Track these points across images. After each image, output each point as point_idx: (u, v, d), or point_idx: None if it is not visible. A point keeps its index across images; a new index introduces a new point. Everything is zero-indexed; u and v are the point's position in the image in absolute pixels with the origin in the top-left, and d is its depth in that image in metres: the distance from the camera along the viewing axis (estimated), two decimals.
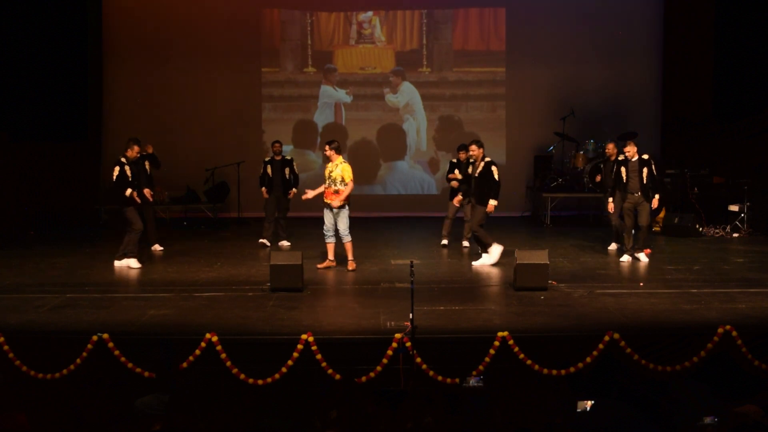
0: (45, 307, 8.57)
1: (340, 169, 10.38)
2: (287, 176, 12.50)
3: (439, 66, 16.62)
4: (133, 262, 10.70)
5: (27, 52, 14.36)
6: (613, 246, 11.84)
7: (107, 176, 11.06)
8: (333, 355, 7.18)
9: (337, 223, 10.42)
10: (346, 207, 10.43)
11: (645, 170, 10.76)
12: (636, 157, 10.87)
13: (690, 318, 8.04)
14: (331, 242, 10.56)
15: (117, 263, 10.72)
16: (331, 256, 10.61)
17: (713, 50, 15.29)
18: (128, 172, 10.67)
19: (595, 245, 12.39)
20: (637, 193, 10.80)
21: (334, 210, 10.38)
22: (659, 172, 11.57)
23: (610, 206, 11.36)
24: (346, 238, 10.45)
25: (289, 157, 12.93)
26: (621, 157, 11.12)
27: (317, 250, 11.27)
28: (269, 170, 12.46)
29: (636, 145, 11.04)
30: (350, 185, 10.36)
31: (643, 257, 10.87)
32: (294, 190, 12.57)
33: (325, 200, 10.45)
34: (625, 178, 10.89)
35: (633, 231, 11.02)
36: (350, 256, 10.49)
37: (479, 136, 16.42)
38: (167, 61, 16.33)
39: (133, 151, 10.85)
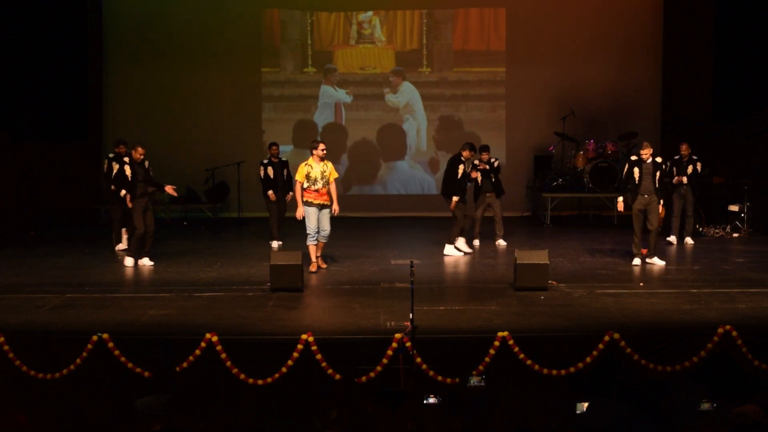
0: (45, 307, 8.57)
1: (330, 168, 10.46)
2: (285, 178, 12.49)
3: (439, 66, 16.61)
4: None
5: (27, 51, 14.35)
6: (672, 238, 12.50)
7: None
8: (333, 355, 7.18)
9: (323, 223, 10.41)
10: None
11: (658, 173, 10.68)
12: (650, 159, 10.73)
13: (690, 318, 8.03)
14: (313, 244, 10.46)
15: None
16: (314, 257, 10.51)
17: (713, 50, 15.29)
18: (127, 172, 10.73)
19: (594, 245, 12.40)
20: (648, 194, 10.72)
21: (322, 210, 10.38)
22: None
23: (620, 206, 11.04)
24: (326, 239, 10.53)
25: (285, 159, 12.90)
26: (634, 158, 10.87)
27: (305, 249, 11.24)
28: (270, 172, 12.40)
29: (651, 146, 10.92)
30: (335, 184, 10.55)
31: (657, 261, 10.75)
32: (291, 192, 12.54)
33: (316, 201, 10.34)
34: (637, 179, 10.69)
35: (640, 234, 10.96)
36: (320, 253, 10.57)
37: (479, 136, 16.49)
38: (167, 61, 16.31)
39: (137, 153, 10.84)
